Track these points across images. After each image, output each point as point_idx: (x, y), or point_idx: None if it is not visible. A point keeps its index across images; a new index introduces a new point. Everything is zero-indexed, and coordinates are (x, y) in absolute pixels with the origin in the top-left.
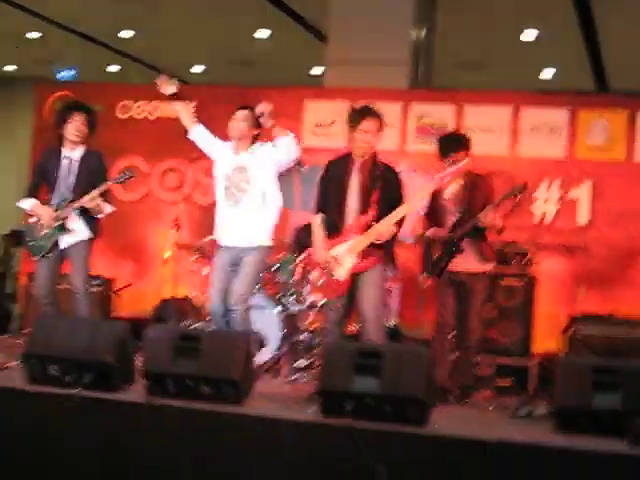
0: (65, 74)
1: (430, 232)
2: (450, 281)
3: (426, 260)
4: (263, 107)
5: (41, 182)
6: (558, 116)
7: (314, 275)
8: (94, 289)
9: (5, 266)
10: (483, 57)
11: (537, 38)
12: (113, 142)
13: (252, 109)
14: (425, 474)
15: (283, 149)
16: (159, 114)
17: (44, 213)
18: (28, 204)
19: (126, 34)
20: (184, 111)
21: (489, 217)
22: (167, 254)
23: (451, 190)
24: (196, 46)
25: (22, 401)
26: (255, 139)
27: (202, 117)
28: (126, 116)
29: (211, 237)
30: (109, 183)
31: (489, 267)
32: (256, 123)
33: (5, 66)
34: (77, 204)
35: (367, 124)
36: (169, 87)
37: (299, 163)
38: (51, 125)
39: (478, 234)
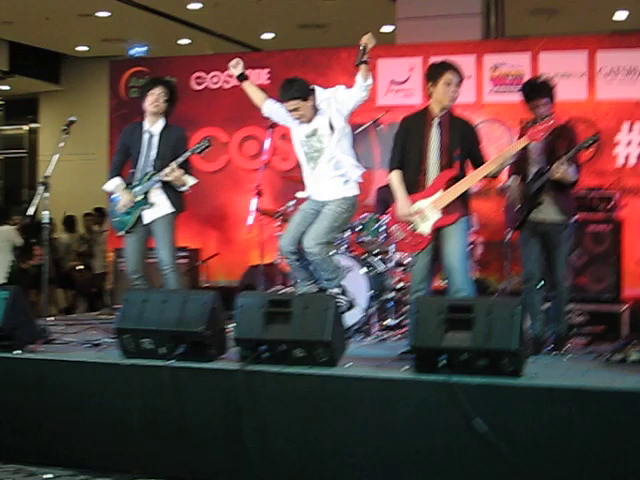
0: (137, 50)
1: (511, 182)
2: (534, 232)
3: (508, 212)
4: (366, 39)
5: (124, 158)
6: (634, 57)
7: (395, 230)
8: (181, 260)
9: (90, 245)
10: (554, 2)
11: None
12: (190, 114)
13: (290, 93)
14: (524, 425)
15: (351, 93)
16: (234, 82)
17: (124, 195)
18: (111, 186)
19: (194, 6)
20: (252, 90)
21: (561, 170)
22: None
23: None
24: (265, 13)
25: (118, 375)
26: (313, 101)
27: (276, 82)
28: (201, 87)
29: (293, 202)
30: (187, 154)
31: (570, 218)
32: (304, 95)
33: (77, 46)
34: (157, 177)
35: (449, 76)
36: (237, 69)
37: (376, 122)
38: (128, 102)
39: (555, 186)
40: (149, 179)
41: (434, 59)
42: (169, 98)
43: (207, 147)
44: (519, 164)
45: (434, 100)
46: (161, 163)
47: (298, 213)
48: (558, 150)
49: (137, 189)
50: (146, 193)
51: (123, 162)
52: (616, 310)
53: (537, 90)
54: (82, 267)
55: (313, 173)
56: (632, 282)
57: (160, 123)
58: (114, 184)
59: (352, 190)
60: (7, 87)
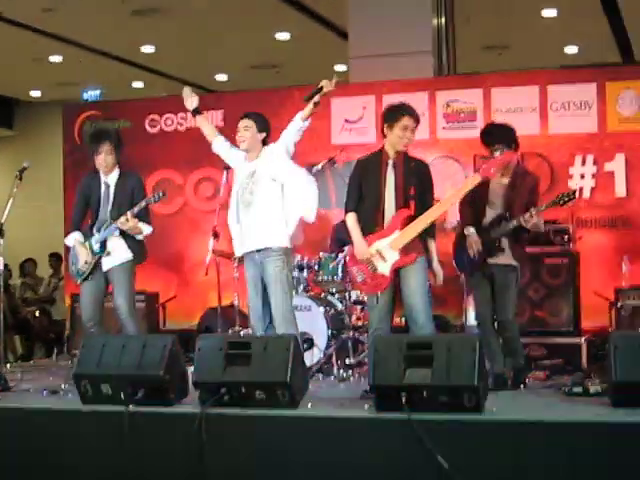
0: (91, 94)
1: (469, 231)
2: (484, 274)
3: (459, 255)
4: (326, 82)
5: (83, 209)
6: (586, 91)
7: (354, 272)
8: (139, 304)
9: (35, 290)
10: (505, 39)
11: (558, 16)
12: (144, 157)
13: (252, 115)
14: (486, 460)
15: (289, 127)
16: (188, 125)
17: (82, 252)
18: (70, 241)
19: (147, 49)
20: (205, 124)
21: (531, 222)
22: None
23: (497, 184)
24: (218, 54)
25: (76, 421)
26: (265, 142)
27: (230, 124)
28: (155, 130)
29: None
30: (142, 204)
31: (521, 264)
32: (261, 127)
33: (30, 91)
34: (113, 226)
35: (406, 122)
36: (191, 101)
37: (331, 160)
38: (82, 146)
39: (514, 233)
40: (106, 228)
41: (387, 97)
42: (115, 150)
43: (161, 197)
44: (476, 205)
45: (388, 142)
46: (118, 212)
47: (248, 290)
48: (519, 198)
49: (94, 238)
50: (103, 242)
51: (83, 213)
52: (574, 342)
53: (491, 135)
54: (39, 313)
55: (244, 216)
56: (589, 314)
57: (115, 173)
58: (73, 238)
59: (286, 240)
60: None
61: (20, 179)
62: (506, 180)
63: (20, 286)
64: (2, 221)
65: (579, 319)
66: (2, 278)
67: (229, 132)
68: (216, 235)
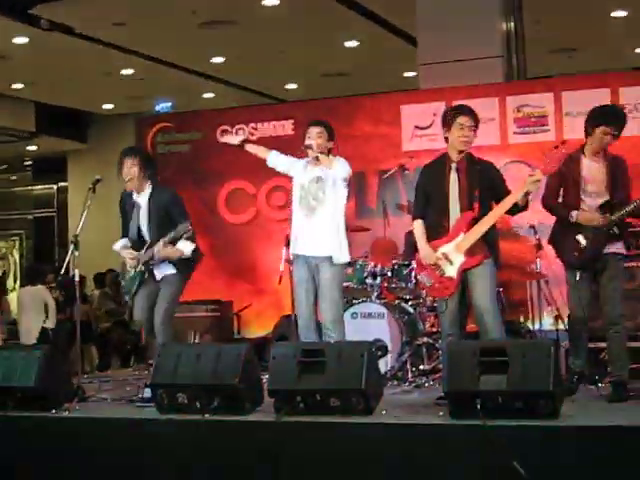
0: (163, 106)
1: (576, 215)
2: (593, 268)
3: (566, 248)
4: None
5: (129, 222)
6: None
7: (422, 277)
8: (213, 313)
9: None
10: (574, 41)
11: (628, 17)
12: (217, 167)
13: (324, 123)
14: (564, 467)
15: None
16: (259, 134)
17: (127, 255)
18: (118, 246)
19: (217, 60)
20: (254, 148)
21: None
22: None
23: (590, 172)
24: (287, 63)
25: (154, 430)
26: (330, 151)
27: (300, 133)
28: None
29: None
30: (171, 235)
31: (625, 251)
32: (330, 136)
33: (103, 104)
34: (151, 252)
35: (461, 120)
36: (234, 139)
37: (403, 167)
38: (155, 158)
39: (636, 215)
40: (145, 251)
41: (457, 103)
42: (142, 166)
43: (186, 232)
44: (570, 197)
45: (450, 145)
46: (157, 231)
47: (298, 289)
48: (620, 182)
49: (139, 254)
50: (146, 263)
51: (127, 225)
52: None
53: (619, 118)
54: (114, 324)
55: (307, 220)
56: None
57: (146, 192)
58: (120, 244)
59: (346, 256)
60: (34, 147)
61: (94, 192)
62: (600, 165)
63: (100, 297)
64: (77, 233)
65: None
66: (78, 289)
67: (299, 141)
68: (289, 244)
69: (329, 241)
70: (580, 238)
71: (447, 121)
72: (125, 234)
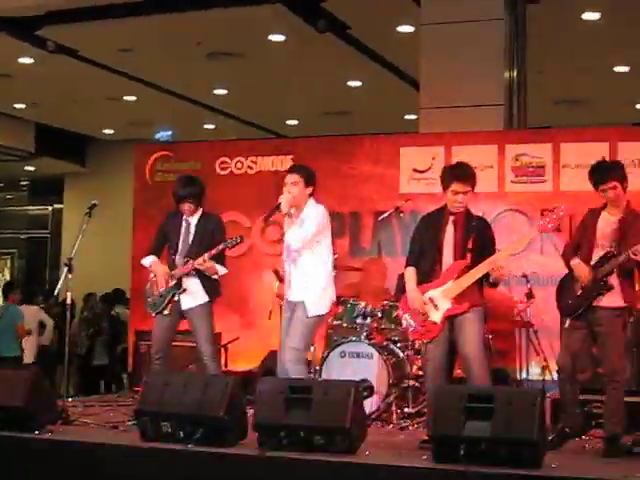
0: (163, 134)
1: (575, 262)
2: (583, 319)
3: (563, 298)
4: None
5: (163, 243)
6: None
7: (406, 318)
8: None
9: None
10: (577, 93)
11: (629, 72)
12: (213, 198)
13: (301, 170)
14: None
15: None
16: (258, 168)
17: (159, 270)
18: (148, 261)
19: (220, 92)
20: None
21: None
22: (271, 306)
23: (605, 224)
24: (289, 100)
25: (136, 458)
26: (311, 195)
27: None
28: (226, 172)
29: None
30: (219, 248)
31: (631, 305)
32: (308, 182)
33: (103, 129)
34: (191, 265)
35: (456, 186)
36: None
37: (398, 210)
38: (152, 186)
39: (624, 270)
40: (184, 264)
41: (456, 148)
42: (196, 203)
43: (238, 242)
44: (582, 249)
45: (447, 202)
46: (197, 250)
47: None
48: (630, 236)
49: (173, 271)
50: (180, 278)
51: (160, 248)
52: (637, 401)
53: (605, 173)
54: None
55: (290, 269)
56: None
57: (197, 214)
58: (150, 259)
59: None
60: (32, 168)
61: (90, 216)
62: (614, 219)
63: (80, 321)
64: (71, 256)
65: None
66: (69, 312)
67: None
68: (281, 279)
69: (304, 288)
70: (577, 287)
71: (443, 182)
72: (153, 251)
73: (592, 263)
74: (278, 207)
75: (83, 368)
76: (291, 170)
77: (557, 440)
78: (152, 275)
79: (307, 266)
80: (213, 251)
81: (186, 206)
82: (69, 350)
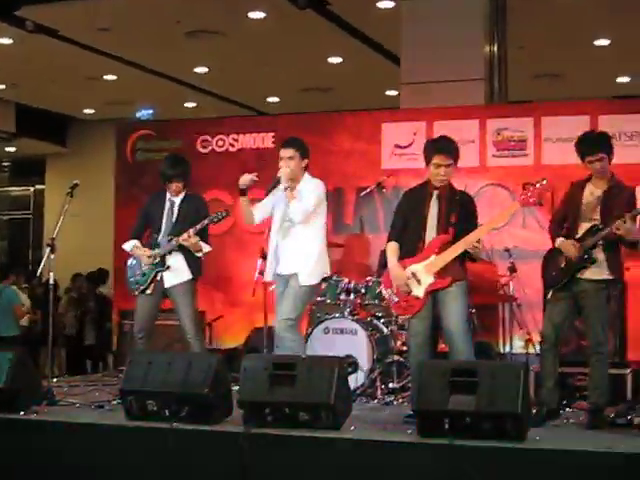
0: (144, 113)
1: (560, 240)
2: (567, 291)
3: (547, 270)
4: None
5: (145, 224)
6: (636, 121)
7: (389, 292)
8: None
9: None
10: (557, 68)
11: (610, 46)
12: (195, 177)
13: (295, 143)
14: None
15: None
16: (239, 146)
17: (142, 254)
18: (129, 245)
19: (200, 70)
20: (246, 209)
21: (623, 228)
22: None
23: (591, 197)
24: (270, 77)
25: (122, 437)
26: (305, 169)
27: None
28: (207, 150)
29: None
30: (205, 222)
31: (618, 277)
32: (303, 155)
33: (84, 109)
34: (175, 241)
35: (438, 158)
36: (244, 184)
37: (380, 186)
38: (133, 164)
39: (608, 243)
40: (167, 242)
41: (438, 124)
42: (184, 181)
43: (224, 217)
44: (568, 221)
45: (430, 176)
46: (181, 228)
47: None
48: (615, 208)
49: (155, 251)
50: (163, 256)
51: (143, 228)
52: (620, 373)
53: (592, 144)
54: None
55: (282, 242)
56: (636, 345)
57: (182, 194)
58: (131, 244)
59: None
60: (13, 149)
61: (71, 196)
62: (599, 191)
63: (66, 302)
64: (54, 236)
65: (625, 350)
66: (52, 293)
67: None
68: (264, 256)
69: (299, 260)
70: (561, 259)
71: (425, 156)
72: (135, 235)
73: (578, 236)
74: (278, 182)
75: (74, 348)
76: (286, 144)
77: (538, 420)
78: (131, 258)
79: (301, 238)
80: (198, 226)
81: (174, 185)
82: (56, 331)
